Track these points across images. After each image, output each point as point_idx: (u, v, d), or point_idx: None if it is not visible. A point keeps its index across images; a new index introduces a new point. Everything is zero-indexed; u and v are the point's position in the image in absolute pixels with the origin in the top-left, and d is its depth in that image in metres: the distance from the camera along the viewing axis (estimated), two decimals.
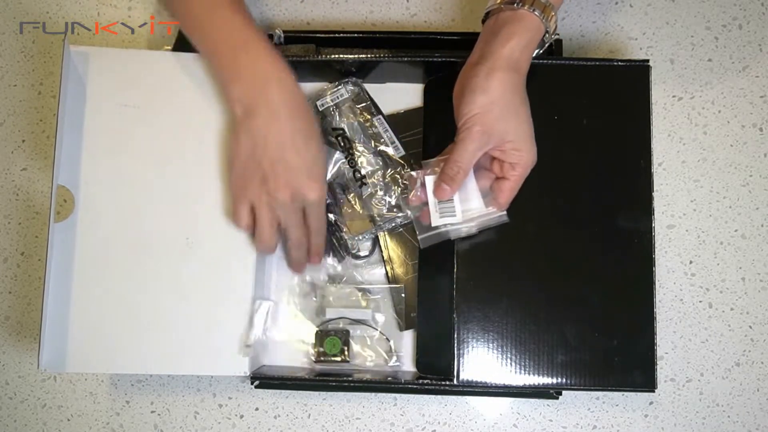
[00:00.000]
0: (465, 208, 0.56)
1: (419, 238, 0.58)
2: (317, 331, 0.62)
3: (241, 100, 0.53)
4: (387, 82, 0.67)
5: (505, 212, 0.57)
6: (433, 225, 0.57)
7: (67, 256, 0.57)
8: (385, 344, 0.63)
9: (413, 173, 0.59)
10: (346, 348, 0.62)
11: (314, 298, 0.64)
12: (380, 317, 0.63)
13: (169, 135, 0.59)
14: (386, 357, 0.63)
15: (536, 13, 0.52)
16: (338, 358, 0.61)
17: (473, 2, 0.70)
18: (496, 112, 0.52)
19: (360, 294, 0.63)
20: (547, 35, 0.54)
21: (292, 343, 0.64)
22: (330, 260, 0.64)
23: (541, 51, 0.56)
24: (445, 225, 0.57)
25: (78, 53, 0.58)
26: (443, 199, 0.56)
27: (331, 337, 0.62)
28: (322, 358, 0.62)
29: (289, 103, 0.53)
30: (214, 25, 0.53)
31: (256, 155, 0.53)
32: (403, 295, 0.63)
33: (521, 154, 0.54)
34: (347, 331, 0.62)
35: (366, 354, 0.63)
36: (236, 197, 0.56)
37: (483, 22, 0.56)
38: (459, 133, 0.53)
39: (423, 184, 0.57)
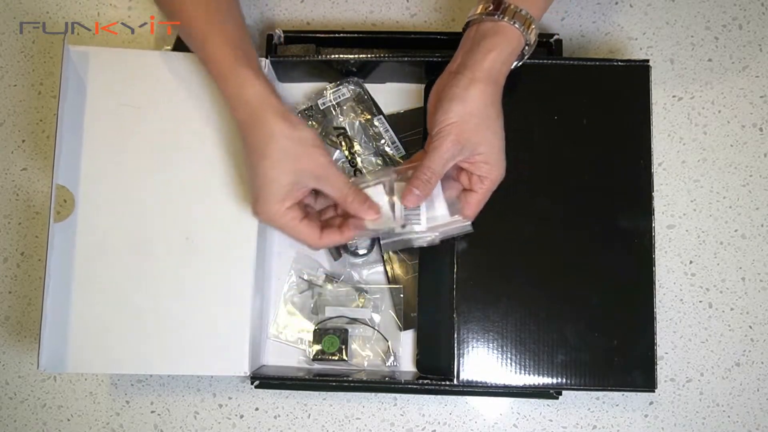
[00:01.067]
0: (430, 215, 0.56)
1: (382, 243, 0.57)
2: (315, 329, 0.62)
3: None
4: (387, 82, 0.67)
5: (469, 222, 0.56)
6: (396, 231, 0.56)
7: (67, 256, 0.57)
8: (383, 344, 0.63)
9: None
10: (344, 347, 0.62)
11: (312, 297, 0.64)
12: (377, 317, 0.63)
13: (169, 135, 0.59)
14: (384, 357, 0.63)
15: (516, 25, 0.52)
16: (336, 357, 0.61)
17: (473, 2, 0.70)
18: (472, 124, 0.52)
19: (357, 293, 0.63)
20: (526, 48, 0.54)
21: (290, 343, 0.64)
22: (322, 271, 0.65)
23: (520, 63, 0.55)
24: (408, 232, 0.56)
25: (78, 53, 0.58)
26: (412, 206, 0.55)
27: (330, 336, 0.62)
28: (319, 357, 0.62)
29: (245, 135, 0.53)
30: (205, 54, 0.53)
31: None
32: (401, 295, 0.63)
33: (490, 168, 0.53)
34: (346, 330, 0.62)
35: (364, 354, 0.63)
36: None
37: (464, 30, 0.56)
38: (432, 141, 0.53)
39: (391, 190, 0.56)
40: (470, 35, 0.54)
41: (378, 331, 0.63)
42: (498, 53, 0.52)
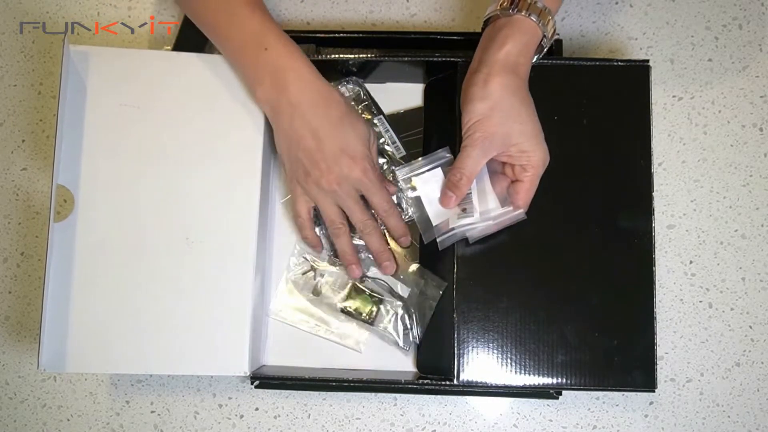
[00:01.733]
0: (483, 209, 0.56)
1: (438, 240, 0.57)
2: (354, 283, 0.62)
3: (266, 100, 0.55)
4: (387, 82, 0.67)
5: (522, 211, 0.56)
6: (451, 226, 0.56)
7: (67, 256, 0.57)
8: (404, 326, 0.62)
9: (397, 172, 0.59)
10: (375, 311, 0.61)
11: (314, 279, 0.64)
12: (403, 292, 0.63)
13: (169, 135, 0.59)
14: (401, 340, 0.62)
15: (532, 17, 0.52)
16: (363, 317, 0.62)
17: (473, 2, 0.70)
18: (497, 118, 0.52)
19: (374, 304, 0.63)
20: (545, 39, 0.54)
21: (291, 322, 0.64)
22: (326, 252, 0.64)
23: (541, 56, 0.56)
24: (462, 225, 0.56)
25: (78, 53, 0.58)
26: (448, 207, 0.56)
27: (366, 296, 0.62)
28: (347, 308, 0.62)
29: (307, 93, 0.54)
30: (232, 26, 0.54)
31: (292, 151, 0.56)
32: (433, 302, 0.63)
33: (529, 155, 0.54)
34: (382, 298, 0.62)
35: (384, 326, 0.63)
36: (292, 194, 0.60)
37: (482, 30, 0.56)
38: (462, 142, 0.54)
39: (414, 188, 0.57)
40: (487, 33, 0.55)
41: (414, 313, 0.62)
42: (512, 44, 0.52)
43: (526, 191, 0.55)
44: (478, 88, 0.52)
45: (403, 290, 0.63)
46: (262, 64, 0.54)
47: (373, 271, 0.63)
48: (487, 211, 0.56)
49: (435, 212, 0.58)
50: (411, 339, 0.62)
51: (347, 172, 0.55)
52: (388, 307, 0.62)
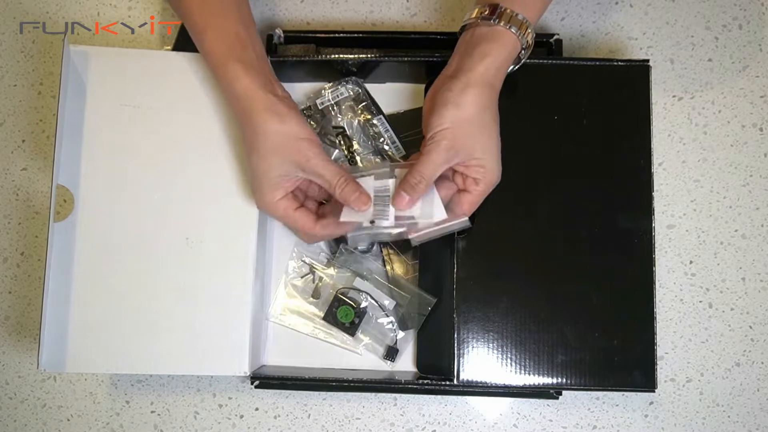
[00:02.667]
0: (426, 212, 0.55)
1: (348, 236, 0.57)
2: (337, 293, 0.62)
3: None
4: (387, 82, 0.67)
5: (467, 218, 0.56)
6: (364, 225, 0.55)
7: (67, 256, 0.57)
8: (389, 338, 0.63)
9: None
10: (357, 321, 0.61)
11: (313, 282, 0.64)
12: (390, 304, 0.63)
13: (169, 135, 0.59)
14: (382, 353, 0.62)
15: (512, 30, 0.52)
16: (345, 326, 0.61)
17: (473, 2, 0.70)
18: (466, 129, 0.52)
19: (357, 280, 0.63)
20: (523, 52, 0.54)
21: (290, 326, 0.64)
22: (324, 255, 0.64)
23: (516, 67, 0.56)
24: (376, 227, 0.55)
25: (78, 53, 0.58)
26: (402, 209, 0.54)
27: (347, 306, 0.62)
28: (329, 320, 0.62)
29: (240, 129, 0.55)
30: (203, 48, 0.54)
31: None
32: (429, 308, 0.62)
33: (485, 172, 0.53)
34: (365, 310, 0.62)
35: (365, 338, 0.63)
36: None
37: (459, 33, 0.56)
38: (426, 145, 0.53)
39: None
40: (466, 39, 0.54)
41: (396, 326, 0.62)
42: (493, 58, 0.52)
43: (470, 203, 0.55)
44: (453, 94, 0.52)
45: (389, 303, 0.63)
46: (222, 89, 0.55)
47: (357, 281, 0.62)
48: (430, 215, 0.55)
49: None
50: (393, 351, 0.62)
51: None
52: (372, 319, 0.62)
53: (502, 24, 0.52)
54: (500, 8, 0.52)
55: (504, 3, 0.52)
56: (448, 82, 0.53)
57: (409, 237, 0.56)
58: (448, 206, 0.55)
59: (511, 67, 0.55)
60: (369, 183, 0.56)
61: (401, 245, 0.64)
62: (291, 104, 0.54)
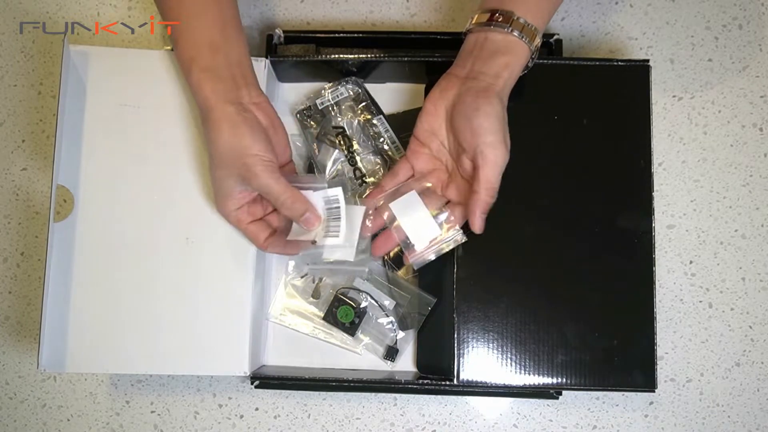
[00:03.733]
0: (419, 234, 0.56)
1: (301, 254, 0.58)
2: (337, 293, 0.62)
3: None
4: (387, 82, 0.67)
5: (460, 230, 0.56)
6: (319, 243, 0.56)
7: (67, 256, 0.57)
8: (389, 338, 0.63)
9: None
10: (357, 321, 0.61)
11: (313, 282, 0.64)
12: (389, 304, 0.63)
13: (168, 135, 0.59)
14: (382, 353, 0.62)
15: (525, 41, 0.52)
16: (345, 326, 0.61)
17: (473, 2, 0.70)
18: (490, 136, 0.52)
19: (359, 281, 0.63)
20: (531, 61, 0.55)
21: (290, 326, 0.64)
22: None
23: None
24: (327, 247, 0.56)
25: (78, 53, 0.58)
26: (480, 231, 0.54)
27: (347, 306, 0.62)
28: (329, 320, 0.62)
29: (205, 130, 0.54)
30: (175, 53, 0.55)
31: None
32: (429, 307, 0.62)
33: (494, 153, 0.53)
34: (365, 310, 0.62)
35: (365, 338, 0.63)
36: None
37: (466, 32, 0.56)
38: (480, 159, 0.53)
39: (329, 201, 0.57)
40: (479, 43, 0.54)
41: (396, 325, 0.62)
42: (511, 71, 0.53)
43: (488, 182, 0.53)
44: (479, 98, 0.52)
45: (389, 303, 0.63)
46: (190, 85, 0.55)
47: (357, 281, 0.62)
48: (424, 237, 0.56)
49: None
50: (393, 351, 0.62)
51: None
52: (372, 319, 0.62)
53: (516, 33, 0.52)
54: (513, 17, 0.52)
55: (517, 11, 0.52)
56: (478, 92, 0.52)
57: (409, 261, 0.57)
58: (441, 224, 0.56)
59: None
60: (318, 197, 0.56)
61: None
62: (254, 116, 0.53)
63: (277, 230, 0.57)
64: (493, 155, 0.52)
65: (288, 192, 0.53)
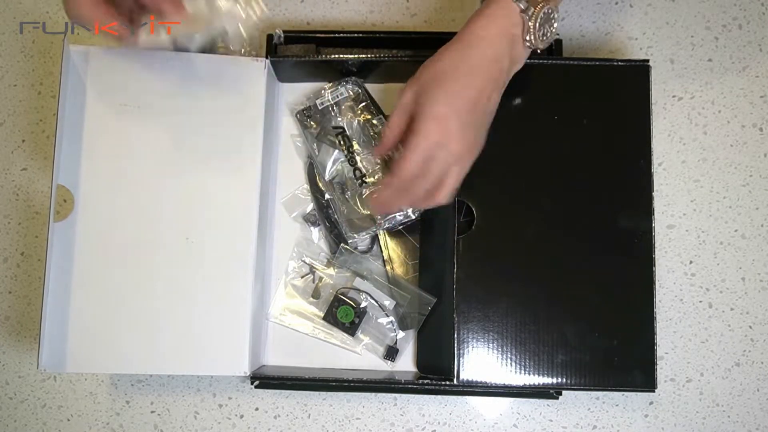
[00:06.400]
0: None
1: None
2: (337, 293, 0.62)
3: None
4: (387, 82, 0.67)
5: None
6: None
7: (67, 256, 0.57)
8: (389, 338, 0.63)
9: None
10: (357, 321, 0.61)
11: (313, 282, 0.64)
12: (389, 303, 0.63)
13: (168, 135, 0.59)
14: (382, 353, 0.62)
15: (521, 4, 0.50)
16: (345, 326, 0.62)
17: (474, 2, 0.70)
18: (428, 75, 0.50)
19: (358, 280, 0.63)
20: (529, 23, 0.50)
21: (290, 326, 0.64)
22: (324, 255, 0.64)
23: (531, 44, 0.52)
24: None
25: (78, 53, 0.58)
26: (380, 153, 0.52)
27: (348, 306, 0.62)
28: (328, 319, 0.62)
29: None
30: None
31: None
32: (430, 307, 0.62)
33: (421, 120, 0.49)
34: (365, 310, 0.62)
35: (365, 338, 0.63)
36: None
37: None
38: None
39: None
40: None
41: (396, 325, 0.62)
42: (480, 19, 0.50)
43: (402, 159, 0.49)
44: (435, 53, 0.51)
45: (389, 303, 0.63)
46: None
47: (357, 281, 0.62)
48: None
49: None
50: (393, 351, 0.62)
51: None
52: (372, 319, 0.62)
53: None
54: None
55: None
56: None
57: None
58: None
59: (528, 36, 0.51)
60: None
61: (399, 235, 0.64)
62: None
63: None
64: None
65: None
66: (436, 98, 0.49)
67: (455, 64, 0.50)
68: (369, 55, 0.62)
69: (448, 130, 0.49)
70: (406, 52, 0.62)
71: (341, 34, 0.66)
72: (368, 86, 0.66)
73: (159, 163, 0.58)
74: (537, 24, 0.51)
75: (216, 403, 0.67)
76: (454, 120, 0.49)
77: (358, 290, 0.62)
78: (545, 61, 0.60)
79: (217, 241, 0.58)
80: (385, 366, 0.63)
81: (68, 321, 0.57)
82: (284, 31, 0.64)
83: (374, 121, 0.64)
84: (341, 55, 0.62)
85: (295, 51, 0.64)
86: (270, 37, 0.64)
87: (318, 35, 0.65)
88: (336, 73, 0.65)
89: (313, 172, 0.65)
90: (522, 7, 0.51)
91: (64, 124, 0.57)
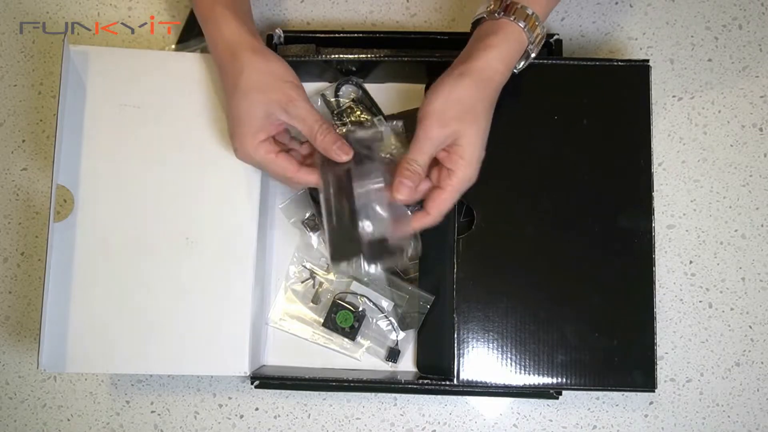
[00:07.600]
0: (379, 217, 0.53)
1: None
2: (336, 298, 0.62)
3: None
4: (387, 82, 0.67)
5: (410, 235, 0.53)
6: None
7: (67, 256, 0.57)
8: (390, 340, 0.63)
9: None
10: (357, 325, 0.61)
11: (313, 287, 0.64)
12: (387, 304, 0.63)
13: (169, 135, 0.59)
14: (384, 355, 0.62)
15: (520, 24, 0.51)
16: (344, 331, 0.61)
17: (474, 2, 0.70)
18: (456, 111, 0.50)
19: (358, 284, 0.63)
20: (531, 46, 0.53)
21: (290, 331, 0.64)
22: (325, 261, 0.64)
23: (527, 63, 0.55)
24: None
25: (78, 53, 0.58)
26: (404, 199, 0.51)
27: (347, 311, 0.61)
28: (328, 325, 0.62)
29: (221, 73, 0.54)
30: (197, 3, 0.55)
31: None
32: (428, 306, 0.62)
33: (464, 164, 0.51)
34: (364, 314, 0.62)
35: (365, 342, 0.63)
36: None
37: (471, 31, 0.56)
38: (416, 130, 0.51)
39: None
40: (474, 35, 0.54)
41: (396, 325, 0.62)
42: (497, 52, 0.51)
43: (443, 200, 0.51)
44: (449, 79, 0.51)
45: (388, 305, 0.63)
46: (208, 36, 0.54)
47: (355, 285, 0.62)
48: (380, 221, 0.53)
49: None
50: (395, 352, 0.62)
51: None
52: (372, 322, 0.62)
53: (508, 18, 0.51)
54: (507, 1, 0.51)
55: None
56: (448, 72, 0.52)
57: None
58: (398, 216, 0.53)
59: (522, 62, 0.54)
60: (352, 137, 0.54)
61: None
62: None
63: (301, 163, 0.54)
64: (423, 125, 0.51)
65: (323, 121, 0.52)
66: (472, 142, 0.51)
67: (477, 99, 0.51)
68: (369, 55, 0.62)
69: (478, 169, 0.52)
70: (406, 52, 0.62)
71: (341, 34, 0.66)
72: (368, 86, 0.66)
73: (159, 164, 0.58)
74: (538, 42, 0.53)
75: (216, 403, 0.67)
76: (481, 157, 0.52)
77: (356, 294, 0.62)
78: (545, 61, 0.60)
79: (217, 241, 0.58)
80: (386, 366, 0.63)
81: (68, 321, 0.57)
82: (284, 31, 0.65)
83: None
84: (341, 55, 0.62)
85: (295, 51, 0.64)
86: (270, 37, 0.64)
87: (318, 35, 0.65)
88: (336, 73, 0.65)
89: None
90: (522, 26, 0.52)
91: (64, 124, 0.57)
